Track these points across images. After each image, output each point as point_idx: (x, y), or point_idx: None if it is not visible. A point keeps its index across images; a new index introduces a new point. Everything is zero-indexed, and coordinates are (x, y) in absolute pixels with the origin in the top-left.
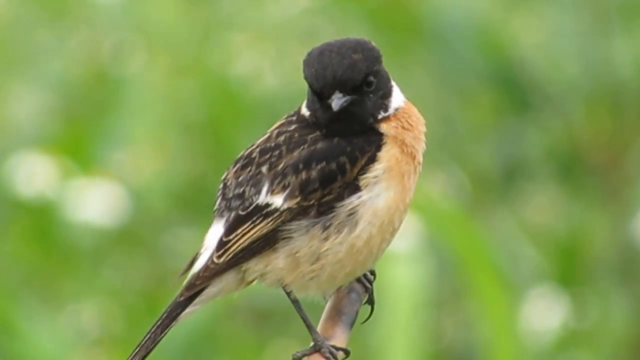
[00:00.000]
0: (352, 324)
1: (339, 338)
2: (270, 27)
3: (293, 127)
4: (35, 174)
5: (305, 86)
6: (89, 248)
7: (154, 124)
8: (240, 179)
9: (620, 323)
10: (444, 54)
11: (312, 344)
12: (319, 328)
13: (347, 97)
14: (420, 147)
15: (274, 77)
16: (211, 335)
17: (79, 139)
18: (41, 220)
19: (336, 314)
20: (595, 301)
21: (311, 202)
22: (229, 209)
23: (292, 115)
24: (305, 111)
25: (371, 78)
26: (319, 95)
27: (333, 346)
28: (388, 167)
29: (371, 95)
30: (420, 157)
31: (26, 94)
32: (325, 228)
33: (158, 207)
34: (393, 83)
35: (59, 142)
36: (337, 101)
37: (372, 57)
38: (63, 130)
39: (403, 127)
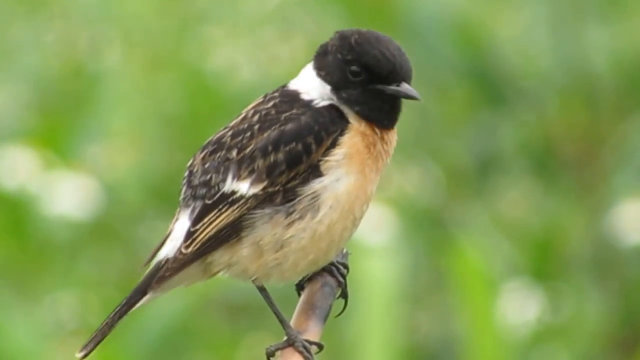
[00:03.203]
0: (325, 318)
1: (312, 332)
2: (247, 20)
3: (272, 103)
4: (11, 167)
5: (281, 78)
6: (64, 241)
7: (130, 118)
8: (207, 165)
9: (595, 317)
10: (419, 47)
11: (285, 338)
12: (292, 322)
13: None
14: (385, 151)
15: (250, 70)
16: (186, 330)
17: (55, 132)
18: (17, 213)
19: (309, 307)
20: (570, 295)
21: (277, 188)
22: (195, 197)
23: (275, 92)
24: (308, 88)
25: None
26: (382, 78)
27: (306, 340)
28: (349, 154)
29: None
30: (382, 161)
31: (3, 87)
32: (289, 214)
33: (133, 200)
34: None
35: (36, 136)
36: (414, 90)
37: None
38: (39, 124)
39: (372, 129)
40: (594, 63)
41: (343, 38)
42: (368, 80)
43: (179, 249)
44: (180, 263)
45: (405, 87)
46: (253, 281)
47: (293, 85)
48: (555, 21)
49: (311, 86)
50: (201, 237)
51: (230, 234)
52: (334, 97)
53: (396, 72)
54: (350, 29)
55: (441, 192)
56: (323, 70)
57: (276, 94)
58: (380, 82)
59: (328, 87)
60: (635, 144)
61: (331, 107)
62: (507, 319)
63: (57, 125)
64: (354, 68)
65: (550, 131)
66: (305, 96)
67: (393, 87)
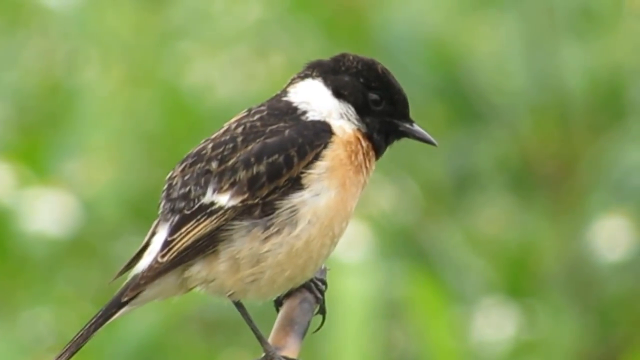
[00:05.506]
0: (304, 334)
1: (291, 348)
2: (223, 37)
3: (258, 116)
4: None
5: (258, 95)
6: (42, 257)
7: (107, 134)
8: (187, 177)
9: (570, 334)
10: (393, 65)
11: (263, 354)
12: (270, 338)
13: None
14: (366, 165)
15: (226, 87)
16: (162, 345)
17: (33, 148)
18: None
19: (288, 323)
20: (546, 312)
21: (256, 201)
22: (173, 211)
23: (261, 106)
24: (318, 106)
25: None
26: (398, 114)
27: (284, 357)
28: (331, 167)
29: None
30: (362, 176)
31: None
32: (266, 228)
33: (111, 217)
34: None
35: (13, 152)
36: (429, 135)
37: None
38: (17, 140)
39: (357, 139)
40: (568, 80)
41: (366, 64)
42: (387, 112)
43: (155, 258)
44: (155, 272)
45: (418, 128)
46: (229, 296)
47: (291, 98)
48: (530, 39)
49: (323, 104)
50: (178, 246)
51: (208, 244)
52: (355, 120)
53: (409, 111)
54: (359, 55)
55: (417, 209)
56: (345, 90)
57: (263, 108)
58: (396, 116)
59: (352, 109)
60: (610, 162)
61: (318, 122)
62: (483, 336)
63: (35, 142)
64: (375, 97)
65: (525, 148)
66: (302, 111)
67: (408, 126)
